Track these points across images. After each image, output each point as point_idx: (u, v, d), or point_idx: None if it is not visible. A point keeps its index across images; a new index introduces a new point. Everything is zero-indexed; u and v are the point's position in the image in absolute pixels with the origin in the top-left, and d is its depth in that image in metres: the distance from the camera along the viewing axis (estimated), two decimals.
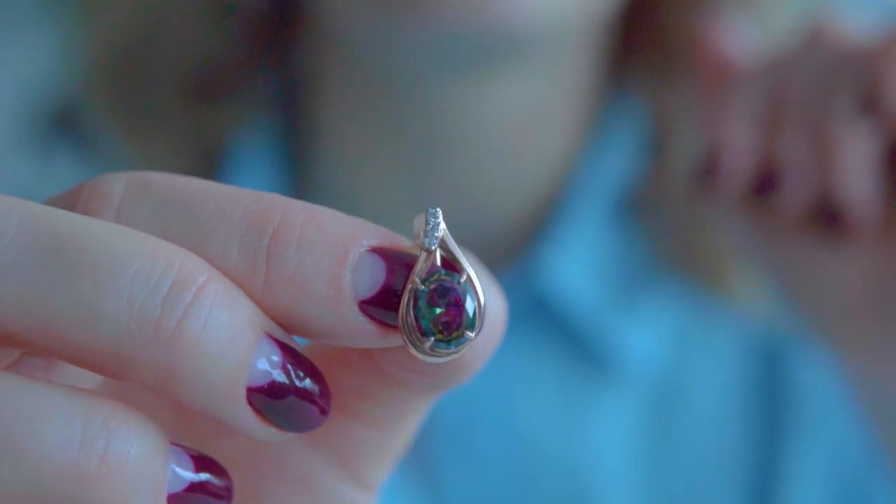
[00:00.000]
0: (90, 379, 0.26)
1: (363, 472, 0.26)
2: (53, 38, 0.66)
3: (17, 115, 0.69)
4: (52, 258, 0.21)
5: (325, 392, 0.23)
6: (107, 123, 0.60)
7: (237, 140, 0.58)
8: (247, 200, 0.22)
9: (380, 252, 0.22)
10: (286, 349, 0.22)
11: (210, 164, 0.58)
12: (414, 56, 0.52)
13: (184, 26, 0.57)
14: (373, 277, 0.22)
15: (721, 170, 0.46)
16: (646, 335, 0.57)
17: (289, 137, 0.59)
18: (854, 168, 0.44)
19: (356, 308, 0.22)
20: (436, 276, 0.22)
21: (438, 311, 0.22)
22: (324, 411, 0.23)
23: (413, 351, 0.22)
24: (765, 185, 0.45)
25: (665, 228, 0.58)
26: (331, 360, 0.24)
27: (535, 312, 0.56)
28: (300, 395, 0.22)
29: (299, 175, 0.59)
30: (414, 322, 0.22)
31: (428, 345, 0.22)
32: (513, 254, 0.57)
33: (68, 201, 0.23)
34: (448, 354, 0.23)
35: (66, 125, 0.64)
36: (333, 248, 0.22)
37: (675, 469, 0.56)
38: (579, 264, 0.56)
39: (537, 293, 0.56)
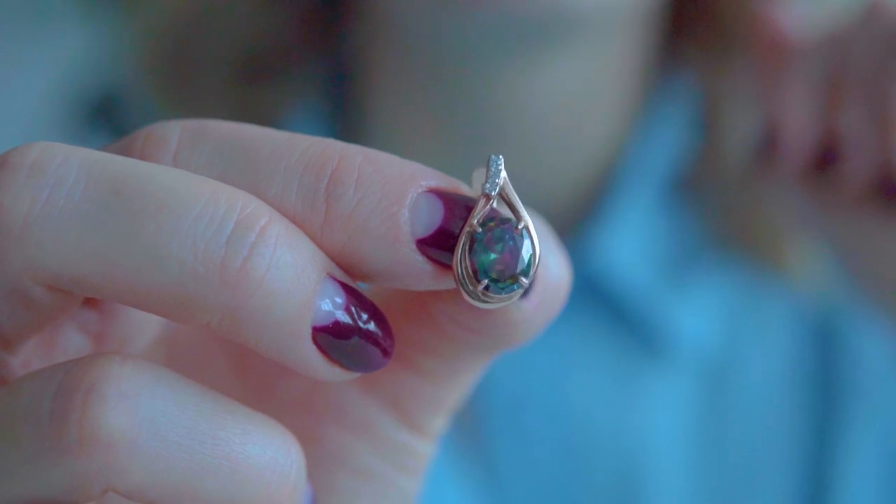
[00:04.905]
0: (147, 330, 0.26)
1: (419, 420, 0.26)
2: (95, 25, 0.66)
3: (57, 103, 0.69)
4: (115, 202, 0.21)
5: (388, 333, 0.23)
6: (157, 106, 0.60)
7: (286, 122, 0.58)
8: (304, 144, 0.22)
9: (438, 193, 0.22)
10: (349, 290, 0.22)
11: None
12: (466, 38, 0.52)
13: (236, 9, 0.57)
14: (430, 217, 0.22)
15: (781, 145, 0.46)
16: (698, 315, 0.57)
17: (338, 120, 0.59)
18: None
19: (413, 246, 0.22)
20: (493, 221, 0.22)
21: (494, 256, 0.22)
22: (386, 353, 0.22)
23: (465, 295, 0.22)
24: (825, 159, 0.45)
25: (717, 207, 0.58)
26: (390, 310, 0.24)
27: (587, 292, 0.56)
28: (363, 335, 0.22)
29: None
30: (469, 265, 0.22)
31: (480, 288, 0.22)
32: (564, 234, 0.57)
33: (124, 148, 0.23)
34: (499, 301, 0.22)
35: (105, 113, 0.64)
36: (392, 187, 0.22)
37: (727, 449, 0.56)
38: (631, 244, 0.56)
39: (589, 273, 0.56)
